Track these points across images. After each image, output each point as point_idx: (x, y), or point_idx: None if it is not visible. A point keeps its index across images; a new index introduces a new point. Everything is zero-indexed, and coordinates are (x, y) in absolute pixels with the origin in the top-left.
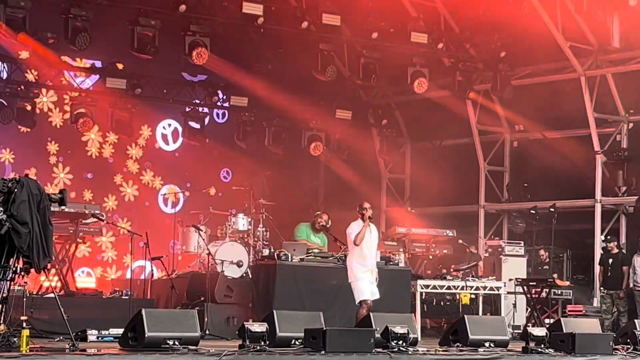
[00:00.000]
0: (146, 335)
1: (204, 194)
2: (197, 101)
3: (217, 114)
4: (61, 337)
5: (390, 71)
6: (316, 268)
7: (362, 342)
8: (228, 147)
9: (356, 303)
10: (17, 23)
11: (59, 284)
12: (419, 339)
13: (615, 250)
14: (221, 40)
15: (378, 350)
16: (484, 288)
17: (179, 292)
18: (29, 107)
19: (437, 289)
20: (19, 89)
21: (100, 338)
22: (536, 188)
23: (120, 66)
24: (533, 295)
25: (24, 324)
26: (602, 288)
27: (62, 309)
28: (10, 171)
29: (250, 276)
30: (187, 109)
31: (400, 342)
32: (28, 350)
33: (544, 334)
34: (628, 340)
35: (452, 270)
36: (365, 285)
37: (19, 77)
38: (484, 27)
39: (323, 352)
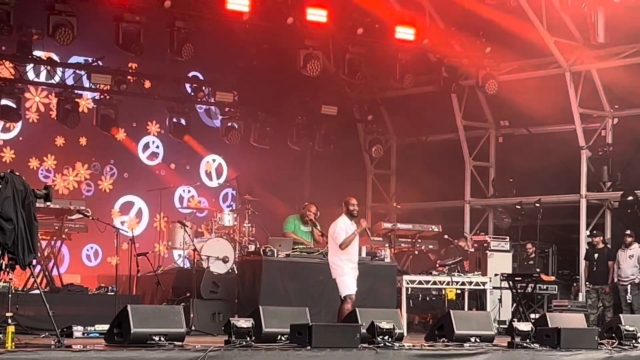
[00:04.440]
0: (132, 331)
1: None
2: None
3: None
4: (47, 333)
5: (376, 67)
6: (302, 264)
7: (348, 338)
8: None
9: (341, 297)
10: (1, 18)
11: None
12: (405, 334)
13: (601, 245)
14: (206, 35)
15: (364, 345)
16: (470, 283)
17: (165, 288)
18: (13, 104)
19: (423, 284)
20: (2, 84)
21: (85, 334)
22: (521, 183)
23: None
24: (518, 290)
25: (9, 320)
26: (587, 283)
27: (47, 305)
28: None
29: (236, 272)
30: (172, 105)
31: (386, 338)
32: (13, 347)
33: (530, 329)
34: (613, 335)
35: (437, 265)
36: (351, 279)
37: (3, 73)
38: (469, 23)
39: (309, 347)
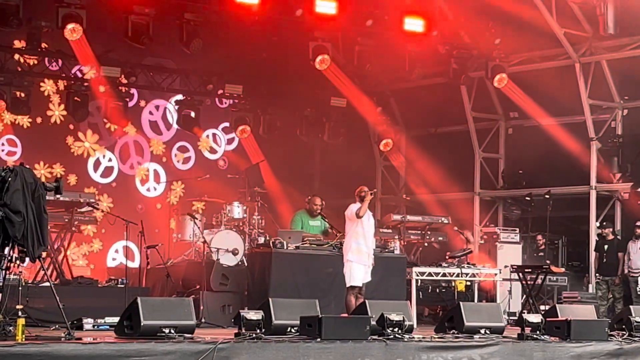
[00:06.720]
0: (142, 324)
1: (199, 182)
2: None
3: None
4: (57, 326)
5: (385, 59)
6: (312, 256)
7: (358, 330)
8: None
9: (346, 286)
10: (11, 11)
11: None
12: (415, 326)
13: (611, 237)
14: (215, 27)
15: (374, 337)
16: (480, 275)
17: (175, 281)
18: (23, 95)
19: (433, 276)
20: (13, 77)
21: (96, 326)
22: (531, 175)
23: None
24: (528, 282)
25: (20, 313)
26: (597, 274)
27: (57, 298)
28: None
29: (246, 264)
30: (182, 97)
31: (396, 330)
32: (24, 339)
33: (540, 321)
34: (623, 326)
35: (447, 257)
36: (358, 270)
37: (13, 65)
38: (479, 14)
39: (319, 339)
